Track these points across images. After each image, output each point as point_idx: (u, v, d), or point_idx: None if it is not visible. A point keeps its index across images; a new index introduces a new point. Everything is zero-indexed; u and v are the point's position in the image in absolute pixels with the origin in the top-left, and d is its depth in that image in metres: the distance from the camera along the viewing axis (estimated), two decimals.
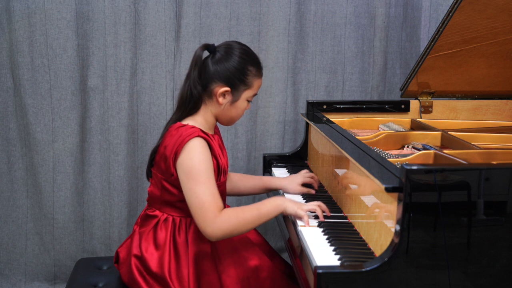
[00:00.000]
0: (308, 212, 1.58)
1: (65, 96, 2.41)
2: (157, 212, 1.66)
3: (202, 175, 1.54)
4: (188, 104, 1.64)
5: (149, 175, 1.72)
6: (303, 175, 1.91)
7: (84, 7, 2.37)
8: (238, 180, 1.93)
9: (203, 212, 1.53)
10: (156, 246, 1.61)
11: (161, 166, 1.62)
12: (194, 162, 1.54)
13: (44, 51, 2.37)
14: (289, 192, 1.87)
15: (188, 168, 1.55)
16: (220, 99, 1.64)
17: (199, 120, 1.65)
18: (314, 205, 1.59)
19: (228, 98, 1.65)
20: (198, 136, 1.57)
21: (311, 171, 2.15)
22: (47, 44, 2.36)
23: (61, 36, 2.37)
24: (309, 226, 1.53)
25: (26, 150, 2.44)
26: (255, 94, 1.70)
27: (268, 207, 1.59)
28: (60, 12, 2.35)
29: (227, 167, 1.73)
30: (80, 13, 2.37)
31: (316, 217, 1.59)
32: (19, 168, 2.45)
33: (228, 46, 1.66)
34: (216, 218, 1.52)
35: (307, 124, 2.29)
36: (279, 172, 2.14)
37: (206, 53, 1.68)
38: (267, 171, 2.28)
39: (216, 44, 1.68)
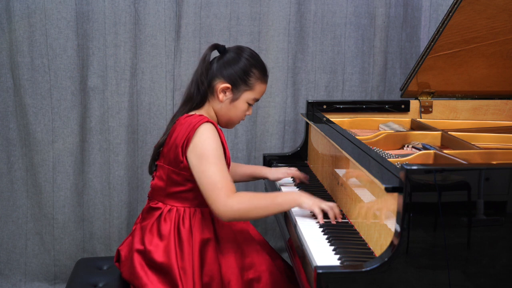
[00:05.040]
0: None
1: (65, 96, 2.41)
2: (160, 204, 1.67)
3: (214, 157, 1.57)
4: (195, 99, 1.69)
5: (152, 169, 1.73)
6: (286, 169, 1.99)
7: (84, 7, 2.37)
8: None
9: (215, 192, 1.54)
10: (161, 237, 1.62)
11: (170, 157, 1.63)
12: (205, 144, 1.58)
13: (44, 51, 2.37)
14: (270, 178, 1.98)
15: (200, 151, 1.57)
16: (221, 96, 1.68)
17: (203, 114, 1.69)
18: (328, 206, 1.57)
19: (229, 95, 1.69)
20: (208, 121, 1.61)
21: (311, 171, 2.15)
22: (47, 44, 2.36)
23: (61, 36, 2.37)
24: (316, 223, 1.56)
25: (26, 150, 2.44)
26: (256, 99, 1.73)
27: (283, 198, 1.59)
28: (60, 12, 2.35)
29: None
30: (80, 13, 2.37)
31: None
32: (19, 168, 2.45)
33: (238, 48, 1.73)
34: (229, 198, 1.54)
35: (307, 124, 2.29)
36: None
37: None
38: None
39: (224, 46, 1.73)
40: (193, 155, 1.58)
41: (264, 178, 2.01)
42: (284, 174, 1.96)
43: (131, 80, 2.46)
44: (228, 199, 1.53)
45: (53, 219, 2.47)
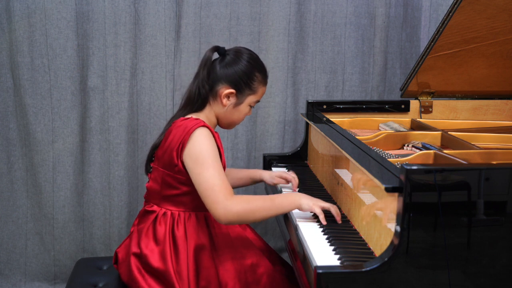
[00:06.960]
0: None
1: (65, 96, 2.41)
2: (155, 207, 1.67)
3: (210, 160, 1.56)
4: (196, 102, 1.69)
5: (148, 170, 1.73)
6: (281, 171, 1.99)
7: (84, 7, 2.37)
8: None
9: (214, 194, 1.53)
10: (156, 241, 1.62)
11: (165, 159, 1.63)
12: (201, 148, 1.57)
13: (44, 51, 2.37)
14: (267, 180, 1.95)
15: (196, 155, 1.56)
16: (224, 101, 1.68)
17: (202, 117, 1.68)
18: (329, 204, 1.58)
19: (232, 100, 1.68)
20: (203, 126, 1.60)
21: (311, 171, 2.15)
22: (47, 44, 2.36)
23: (61, 36, 2.37)
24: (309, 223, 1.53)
25: (26, 150, 2.44)
26: (258, 101, 1.74)
27: (283, 199, 1.58)
28: (60, 12, 2.35)
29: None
30: (80, 13, 2.37)
31: (317, 218, 1.59)
32: (19, 168, 2.45)
33: (238, 51, 1.71)
34: (228, 200, 1.52)
35: (307, 124, 2.29)
36: None
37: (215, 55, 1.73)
38: None
39: (224, 48, 1.72)
40: (189, 159, 1.57)
41: (261, 181, 1.98)
42: (280, 180, 1.92)
43: (131, 80, 2.46)
44: (227, 202, 1.52)
45: (53, 219, 2.47)
